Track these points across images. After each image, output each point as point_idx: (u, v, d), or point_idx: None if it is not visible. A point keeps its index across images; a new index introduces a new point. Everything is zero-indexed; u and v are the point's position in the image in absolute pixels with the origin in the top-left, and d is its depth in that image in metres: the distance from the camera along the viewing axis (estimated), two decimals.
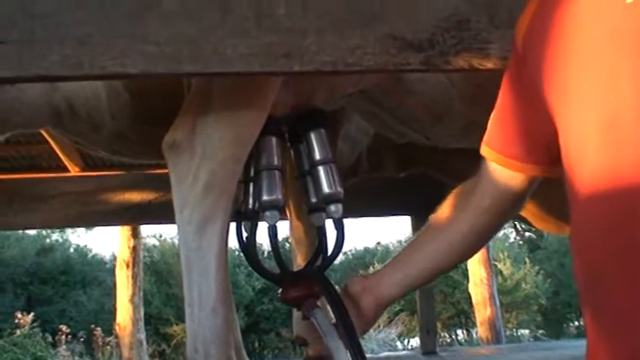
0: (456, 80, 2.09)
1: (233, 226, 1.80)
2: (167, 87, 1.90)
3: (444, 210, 1.33)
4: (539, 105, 1.03)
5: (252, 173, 1.79)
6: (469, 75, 1.81)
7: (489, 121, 1.21)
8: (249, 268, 1.81)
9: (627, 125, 0.88)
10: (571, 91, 0.95)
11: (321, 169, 1.81)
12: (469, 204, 1.27)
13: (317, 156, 1.83)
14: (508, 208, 1.26)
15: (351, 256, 16.22)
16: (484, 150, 1.21)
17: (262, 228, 1.80)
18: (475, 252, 1.41)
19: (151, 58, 1.31)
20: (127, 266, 7.88)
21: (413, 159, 2.84)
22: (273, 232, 1.73)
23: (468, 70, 1.43)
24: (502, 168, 1.19)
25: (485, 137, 1.21)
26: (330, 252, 1.84)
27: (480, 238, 1.33)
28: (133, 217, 3.19)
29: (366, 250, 16.50)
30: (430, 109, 2.24)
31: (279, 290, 1.82)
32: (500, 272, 12.97)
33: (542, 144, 1.10)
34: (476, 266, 8.39)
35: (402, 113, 2.29)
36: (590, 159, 0.92)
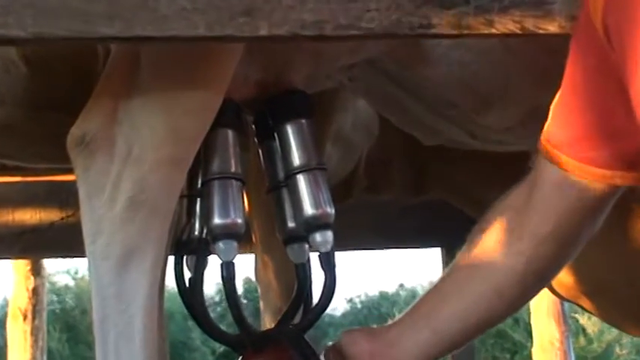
0: (515, 44, 2.08)
1: (171, 261, 1.81)
2: (84, 54, 1.90)
3: (485, 240, 1.33)
4: (624, 89, 1.04)
5: (199, 184, 1.80)
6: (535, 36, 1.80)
7: (552, 108, 1.22)
8: None
9: None
10: None
11: (301, 178, 1.81)
12: (523, 230, 1.27)
13: (296, 160, 1.83)
14: (580, 232, 1.27)
15: (359, 305, 16.20)
16: (545, 149, 1.22)
17: (214, 263, 1.80)
18: (530, 299, 1.41)
19: (47, 16, 1.32)
20: (25, 317, 7.84)
21: (430, 179, 2.83)
22: (228, 273, 1.73)
23: (519, 36, 1.44)
24: (570, 175, 1.19)
25: (545, 130, 1.22)
26: (314, 303, 1.84)
27: (540, 280, 1.34)
28: (27, 247, 3.17)
29: (383, 295, 16.48)
30: (473, 88, 2.23)
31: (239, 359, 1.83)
32: (583, 330, 12.97)
33: (634, 142, 1.12)
34: (544, 321, 8.34)
35: (430, 96, 2.28)
36: None
